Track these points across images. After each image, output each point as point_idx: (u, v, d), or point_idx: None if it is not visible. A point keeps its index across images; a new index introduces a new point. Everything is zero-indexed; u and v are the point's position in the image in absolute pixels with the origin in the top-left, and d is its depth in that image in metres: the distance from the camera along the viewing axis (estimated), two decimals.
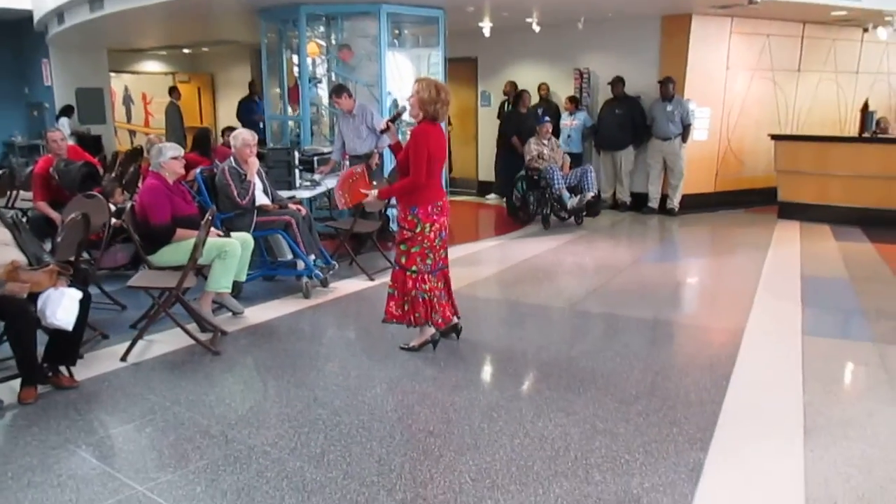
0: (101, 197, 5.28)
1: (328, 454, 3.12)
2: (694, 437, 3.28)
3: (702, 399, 3.71)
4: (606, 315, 5.27)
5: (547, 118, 9.13)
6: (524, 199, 8.96)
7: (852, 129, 10.31)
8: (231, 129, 8.54)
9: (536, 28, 9.54)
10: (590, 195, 8.45)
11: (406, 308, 4.32)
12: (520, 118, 9.92)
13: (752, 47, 9.67)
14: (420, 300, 4.27)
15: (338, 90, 6.85)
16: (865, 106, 9.15)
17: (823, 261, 6.92)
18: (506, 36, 10.24)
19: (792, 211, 8.74)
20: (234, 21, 10.43)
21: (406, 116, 4.58)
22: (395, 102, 8.16)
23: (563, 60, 10.33)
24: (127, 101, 16.77)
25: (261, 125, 10.17)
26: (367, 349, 4.50)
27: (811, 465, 3.02)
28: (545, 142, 8.82)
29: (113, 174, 7.71)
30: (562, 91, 10.41)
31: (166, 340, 4.57)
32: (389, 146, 4.53)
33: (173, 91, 13.77)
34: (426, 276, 4.27)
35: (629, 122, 9.47)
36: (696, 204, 9.62)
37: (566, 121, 10.04)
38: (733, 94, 9.63)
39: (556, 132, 10.14)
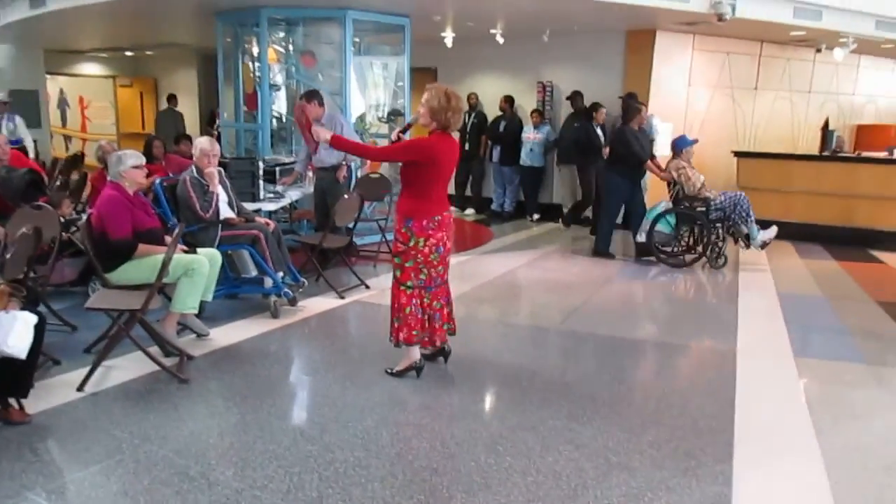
0: (49, 208, 4.83)
1: (326, 499, 2.82)
2: (714, 471, 3.10)
3: (711, 427, 3.54)
4: (594, 336, 5.08)
5: (695, 139, 8.06)
6: (676, 238, 7.45)
7: (804, 147, 10.51)
8: (185, 137, 8.14)
9: (500, 39, 9.42)
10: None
11: (397, 324, 4.05)
12: (588, 134, 8.90)
13: (712, 64, 9.76)
14: (418, 317, 4.01)
15: (310, 95, 6.53)
16: (826, 124, 9.31)
17: (795, 278, 6.94)
18: (468, 47, 10.08)
19: None
20: (184, 23, 10.00)
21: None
22: (394, 112, 8.02)
23: (526, 72, 10.24)
24: (62, 104, 15.98)
25: None
26: (349, 375, 4.18)
27: (839, 500, 2.87)
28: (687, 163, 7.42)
29: (58, 182, 7.18)
30: (525, 103, 10.30)
31: (127, 366, 4.16)
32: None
33: (172, 99, 13.05)
34: (422, 293, 4.02)
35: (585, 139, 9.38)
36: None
37: (529, 134, 9.93)
38: (695, 111, 9.69)
39: (517, 145, 10.04)
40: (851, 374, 4.42)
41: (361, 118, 8.22)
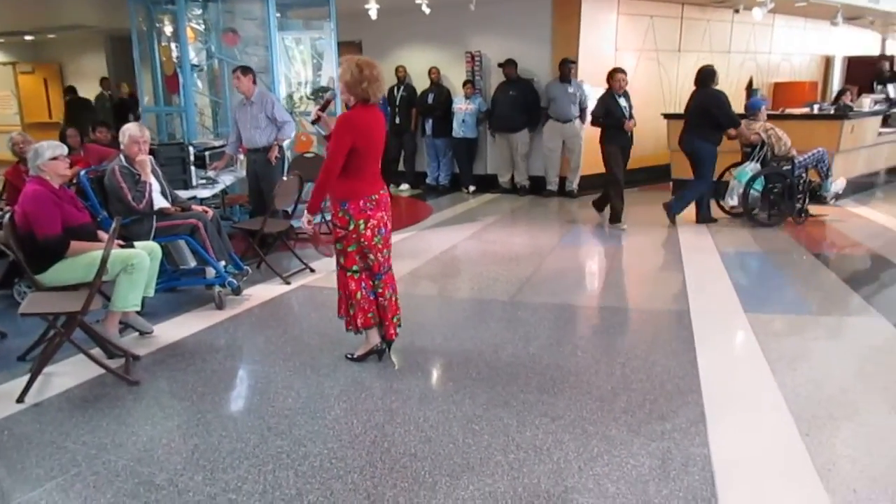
0: None
1: (306, 495, 2.70)
2: (689, 432, 3.12)
3: (679, 388, 3.58)
4: (549, 305, 5.07)
5: (764, 101, 8.12)
6: (770, 200, 7.47)
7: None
8: (102, 124, 7.69)
9: (426, 10, 9.22)
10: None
11: (352, 311, 3.92)
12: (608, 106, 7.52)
13: (637, 28, 9.85)
14: (371, 299, 3.90)
15: (245, 69, 6.24)
16: (750, 84, 9.56)
17: (730, 236, 7.11)
18: (392, 18, 9.84)
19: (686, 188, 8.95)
20: (88, 3, 9.41)
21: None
22: (321, 89, 7.70)
23: (453, 43, 10.09)
24: None
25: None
26: (308, 363, 4.04)
27: (814, 451, 2.94)
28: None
29: None
30: (452, 74, 10.17)
31: (68, 372, 3.90)
32: (325, 137, 4.04)
33: (70, 90, 12.21)
34: (371, 280, 3.90)
35: (523, 105, 9.39)
36: (592, 185, 9.67)
37: (461, 105, 9.82)
38: None
39: (448, 117, 9.93)
40: (800, 326, 4.56)
41: (290, 97, 7.93)
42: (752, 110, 7.63)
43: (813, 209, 7.73)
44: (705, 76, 7.45)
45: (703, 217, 7.60)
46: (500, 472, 2.83)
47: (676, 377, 3.72)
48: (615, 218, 7.59)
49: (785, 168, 7.37)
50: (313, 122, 4.01)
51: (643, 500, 2.63)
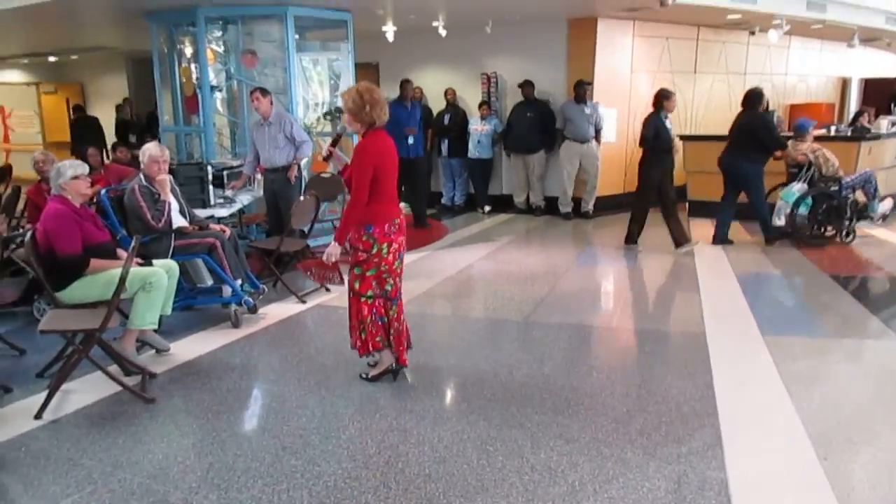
0: None
1: None
2: (706, 455, 3.10)
3: (696, 411, 3.55)
4: (564, 325, 5.06)
5: (812, 122, 8.08)
6: (818, 221, 7.52)
7: None
8: (123, 144, 7.81)
9: (443, 32, 9.32)
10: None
11: (364, 336, 3.92)
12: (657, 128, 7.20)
13: (652, 50, 9.88)
14: (379, 324, 3.90)
15: (263, 90, 6.33)
16: (766, 105, 9.51)
17: (749, 259, 7.05)
18: (409, 40, 9.92)
19: (701, 209, 8.92)
20: (110, 25, 9.57)
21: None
22: (336, 109, 7.81)
23: (469, 64, 10.16)
24: None
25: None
26: (322, 382, 4.05)
27: (832, 476, 2.90)
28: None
29: None
30: (468, 96, 10.24)
31: (85, 389, 3.94)
32: (339, 173, 4.08)
33: (78, 109, 12.30)
34: (387, 303, 3.90)
35: (540, 125, 9.42)
36: (607, 206, 9.69)
37: (476, 126, 9.86)
38: (638, 96, 9.77)
39: (463, 137, 9.98)
40: (818, 349, 4.52)
41: (307, 117, 8.02)
42: (799, 131, 7.64)
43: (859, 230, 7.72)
44: (753, 98, 7.44)
45: (721, 238, 7.56)
46: (514, 494, 2.82)
47: (692, 399, 3.69)
48: (630, 238, 7.56)
49: (832, 189, 7.35)
50: (325, 159, 4.04)
51: None
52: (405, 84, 8.98)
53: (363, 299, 3.88)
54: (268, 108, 6.48)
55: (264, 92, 6.49)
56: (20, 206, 7.12)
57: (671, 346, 4.68)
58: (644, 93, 9.84)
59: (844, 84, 14.28)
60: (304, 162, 7.03)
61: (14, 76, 15.14)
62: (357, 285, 3.87)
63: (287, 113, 6.92)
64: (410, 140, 8.51)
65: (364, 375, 4.05)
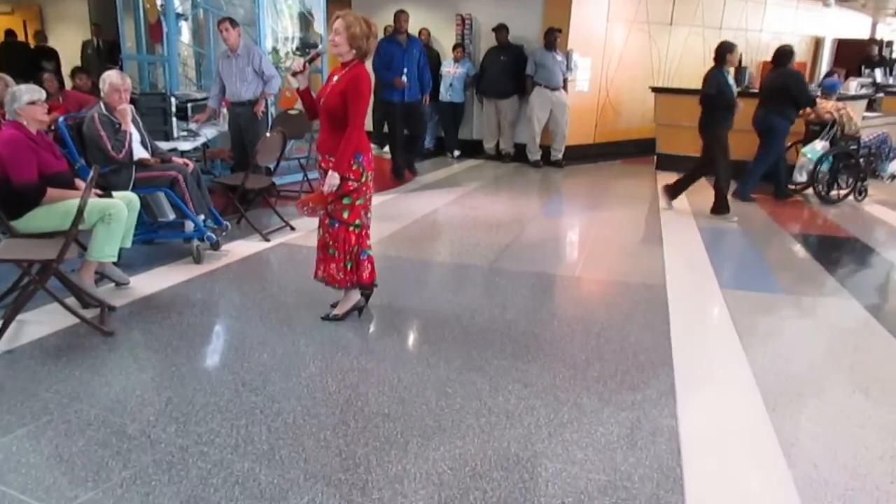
0: None
1: (278, 450, 2.72)
2: (659, 403, 3.18)
3: (652, 360, 3.63)
4: (528, 273, 5.10)
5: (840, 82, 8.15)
6: (833, 179, 7.63)
7: None
8: (81, 70, 7.54)
9: None
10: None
11: (349, 268, 3.91)
12: (720, 85, 6.67)
13: (629, 0, 9.75)
14: (364, 258, 3.91)
15: (233, 21, 6.13)
16: (739, 62, 9.50)
17: (714, 216, 7.12)
18: None
19: (670, 162, 8.98)
20: None
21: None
22: (310, 45, 7.56)
23: (444, 5, 9.96)
24: None
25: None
26: (285, 320, 4.04)
27: (779, 427, 3.00)
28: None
29: None
30: (442, 37, 10.05)
31: (42, 320, 3.87)
32: (297, 90, 3.96)
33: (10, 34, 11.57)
34: (368, 232, 3.93)
35: (513, 70, 9.30)
36: (576, 155, 9.70)
37: (449, 68, 9.71)
38: (612, 47, 9.73)
39: (437, 80, 9.82)
40: (773, 304, 4.62)
41: (276, 51, 7.80)
42: (829, 90, 7.74)
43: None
44: (783, 56, 7.42)
45: (782, 192, 7.68)
46: (471, 435, 2.87)
47: (649, 349, 3.77)
48: (724, 208, 6.90)
49: (852, 148, 7.53)
50: (294, 74, 3.88)
51: (610, 467, 2.68)
52: (399, 15, 8.13)
53: (351, 228, 3.86)
54: (236, 40, 6.29)
55: (233, 23, 6.29)
56: None
57: (632, 297, 4.75)
58: (619, 43, 9.81)
59: (818, 44, 14.32)
60: (271, 98, 6.87)
61: None
62: (346, 215, 3.82)
63: (256, 46, 6.72)
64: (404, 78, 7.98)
65: (329, 316, 4.04)
